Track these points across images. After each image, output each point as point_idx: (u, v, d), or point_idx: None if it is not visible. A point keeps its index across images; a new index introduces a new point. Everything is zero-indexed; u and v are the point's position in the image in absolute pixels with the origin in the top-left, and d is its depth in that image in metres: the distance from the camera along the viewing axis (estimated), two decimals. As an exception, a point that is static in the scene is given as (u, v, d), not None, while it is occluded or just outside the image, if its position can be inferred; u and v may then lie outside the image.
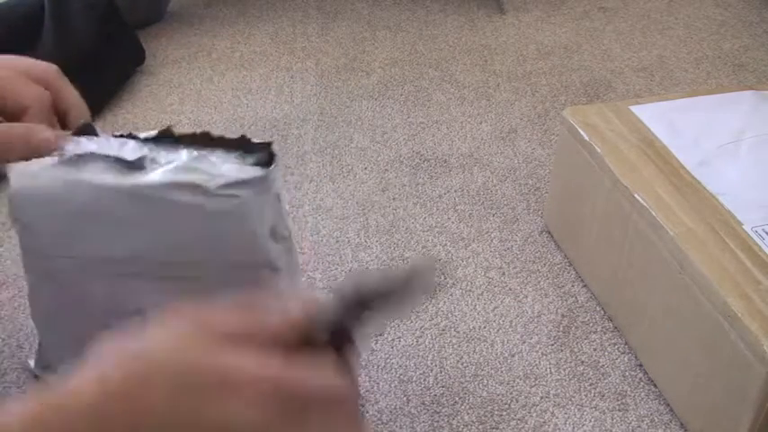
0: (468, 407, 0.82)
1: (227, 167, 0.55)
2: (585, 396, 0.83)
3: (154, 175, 0.55)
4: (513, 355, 0.88)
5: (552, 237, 1.04)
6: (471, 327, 0.91)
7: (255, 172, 0.56)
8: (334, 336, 0.40)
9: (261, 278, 0.55)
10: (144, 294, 0.56)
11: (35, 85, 0.58)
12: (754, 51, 1.48)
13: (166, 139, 0.58)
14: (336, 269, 0.99)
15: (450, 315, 0.92)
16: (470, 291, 0.96)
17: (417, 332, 0.90)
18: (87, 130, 0.57)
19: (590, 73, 1.41)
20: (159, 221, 0.56)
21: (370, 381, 0.84)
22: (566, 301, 0.95)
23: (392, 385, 0.84)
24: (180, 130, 0.64)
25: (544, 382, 0.85)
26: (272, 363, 0.41)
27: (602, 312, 0.93)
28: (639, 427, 0.80)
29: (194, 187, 0.54)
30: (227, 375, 0.39)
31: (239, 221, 0.55)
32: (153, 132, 0.59)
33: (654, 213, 0.80)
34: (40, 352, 0.69)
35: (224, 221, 0.55)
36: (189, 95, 1.35)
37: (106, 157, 0.55)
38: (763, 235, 0.76)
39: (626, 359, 0.87)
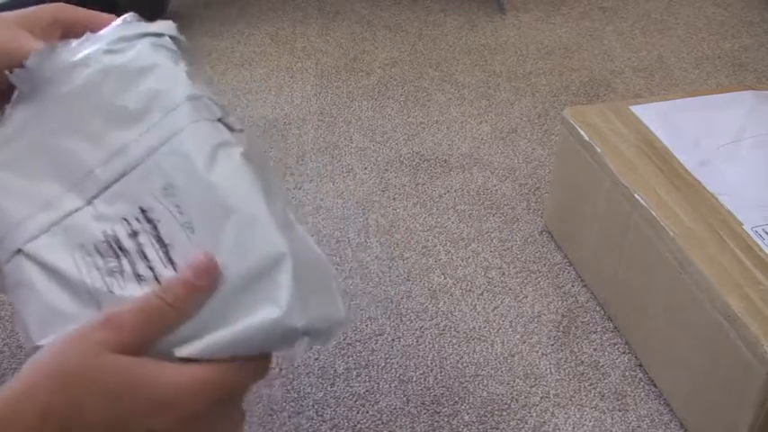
0: (468, 407, 0.82)
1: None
2: (585, 396, 0.83)
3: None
4: (513, 355, 0.88)
5: (552, 237, 1.04)
6: (471, 327, 0.91)
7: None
8: None
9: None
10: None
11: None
12: (754, 51, 1.48)
13: None
14: (336, 269, 0.99)
15: (450, 315, 0.92)
16: (470, 291, 0.96)
17: (417, 332, 0.90)
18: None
19: (590, 73, 1.41)
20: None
21: (370, 381, 0.84)
22: (566, 301, 0.95)
23: (392, 385, 0.84)
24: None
25: (544, 382, 0.85)
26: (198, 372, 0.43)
27: (602, 312, 0.93)
28: (639, 427, 0.80)
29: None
30: (157, 394, 0.42)
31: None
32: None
33: (654, 213, 0.80)
34: None
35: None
36: (189, 95, 1.35)
37: None
38: (763, 235, 0.76)
39: (626, 359, 0.87)
